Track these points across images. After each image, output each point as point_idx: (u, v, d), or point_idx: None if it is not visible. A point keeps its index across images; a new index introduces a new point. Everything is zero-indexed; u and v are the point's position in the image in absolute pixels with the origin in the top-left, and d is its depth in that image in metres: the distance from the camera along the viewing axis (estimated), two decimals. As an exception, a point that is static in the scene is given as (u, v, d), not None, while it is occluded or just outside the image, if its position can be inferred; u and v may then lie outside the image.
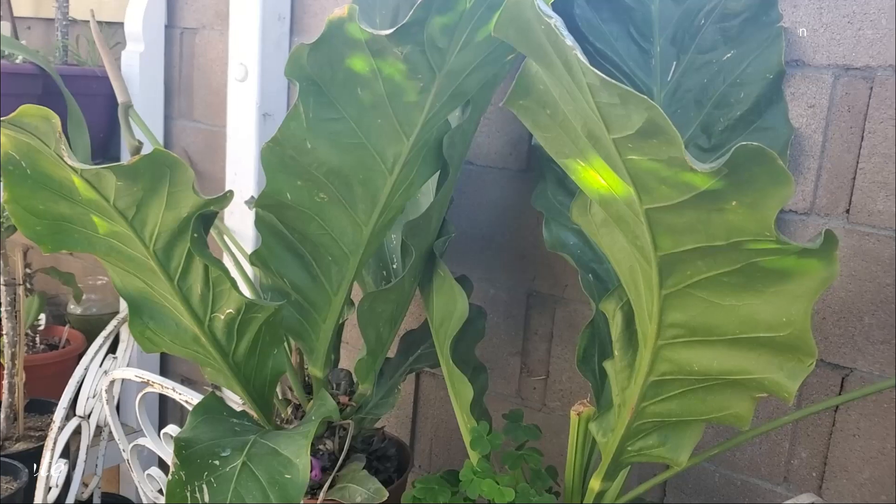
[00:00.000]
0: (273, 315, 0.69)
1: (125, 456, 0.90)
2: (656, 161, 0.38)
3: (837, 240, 0.42)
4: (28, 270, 1.14)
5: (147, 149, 0.62)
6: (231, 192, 0.61)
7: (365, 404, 0.83)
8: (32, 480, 0.96)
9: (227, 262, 0.93)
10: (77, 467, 1.00)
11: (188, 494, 0.59)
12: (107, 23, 1.19)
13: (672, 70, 0.74)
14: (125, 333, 1.04)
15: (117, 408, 1.12)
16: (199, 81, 1.15)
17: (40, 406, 1.10)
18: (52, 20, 1.18)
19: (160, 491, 0.87)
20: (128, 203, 0.61)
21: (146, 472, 0.87)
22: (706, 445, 0.77)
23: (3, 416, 1.02)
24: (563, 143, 0.47)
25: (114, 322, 0.99)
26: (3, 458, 0.97)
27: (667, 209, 0.42)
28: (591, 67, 0.35)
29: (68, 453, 0.98)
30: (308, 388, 0.83)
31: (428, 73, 0.58)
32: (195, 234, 0.62)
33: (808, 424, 0.75)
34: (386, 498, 0.70)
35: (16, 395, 1.03)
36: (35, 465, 0.96)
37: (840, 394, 0.72)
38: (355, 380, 0.82)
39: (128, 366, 1.01)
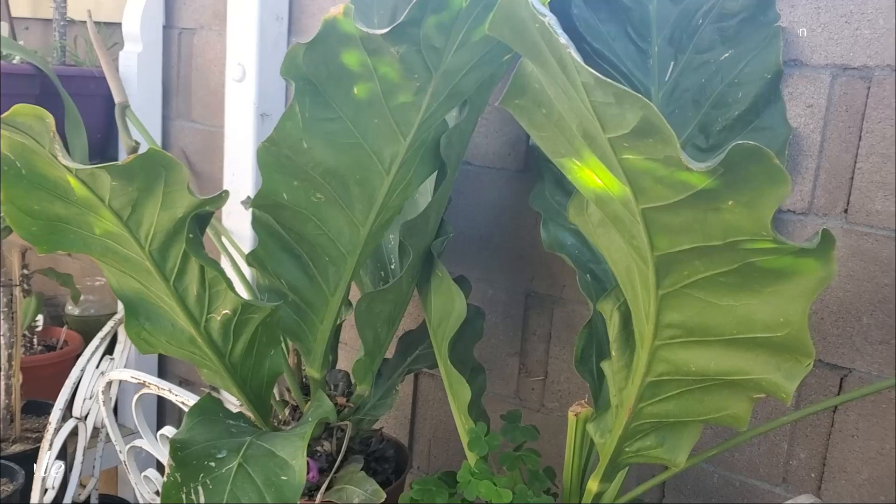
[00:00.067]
0: (270, 316, 0.69)
1: (122, 457, 0.89)
2: (652, 160, 0.38)
3: (835, 239, 0.42)
4: (25, 271, 1.13)
5: (144, 149, 0.62)
6: (226, 192, 0.61)
7: (363, 405, 0.83)
8: (29, 482, 0.95)
9: (225, 262, 0.92)
10: (74, 469, 1.00)
11: (184, 496, 0.59)
12: (105, 23, 1.19)
13: (670, 70, 0.74)
14: (122, 335, 1.04)
15: (115, 409, 1.12)
16: (197, 82, 1.14)
17: (37, 407, 1.10)
18: (50, 21, 1.17)
19: (157, 492, 0.87)
20: (123, 203, 0.61)
21: (143, 474, 0.87)
22: (705, 446, 0.76)
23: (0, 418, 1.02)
24: (559, 143, 0.47)
25: (110, 323, 0.99)
26: (0, 460, 0.97)
27: (663, 209, 0.42)
28: (586, 66, 0.35)
29: (65, 455, 0.98)
30: (305, 390, 0.83)
31: (424, 72, 0.58)
32: (191, 235, 0.62)
33: (807, 425, 0.75)
34: (384, 499, 0.70)
35: (13, 396, 1.02)
36: (32, 467, 0.95)
37: (838, 394, 0.72)
38: (353, 381, 0.82)
39: (125, 367, 1.01)
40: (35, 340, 1.22)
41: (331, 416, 0.73)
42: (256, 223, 0.69)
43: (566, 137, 0.45)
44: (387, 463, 0.85)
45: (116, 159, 1.13)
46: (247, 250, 0.95)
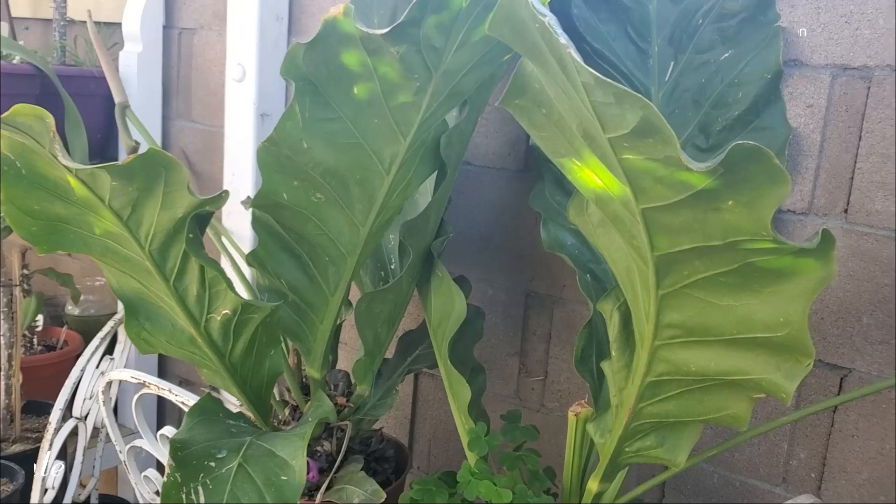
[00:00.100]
0: (269, 316, 0.69)
1: (122, 457, 0.89)
2: (652, 160, 0.38)
3: (834, 239, 0.42)
4: (25, 271, 1.13)
5: (144, 149, 0.62)
6: (226, 192, 0.61)
7: (363, 405, 0.83)
8: (29, 482, 0.95)
9: (225, 262, 0.92)
10: (74, 469, 1.00)
11: (184, 496, 0.59)
12: (105, 23, 1.19)
13: (670, 70, 0.74)
14: (122, 335, 1.04)
15: (115, 409, 1.12)
16: (197, 82, 1.14)
17: (38, 407, 1.10)
18: (50, 21, 1.17)
19: (157, 492, 0.87)
20: (123, 203, 0.61)
21: (143, 474, 0.87)
22: (705, 446, 0.76)
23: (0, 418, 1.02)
24: (559, 143, 0.47)
25: (110, 323, 0.99)
26: (0, 460, 0.97)
27: (663, 209, 0.42)
28: (586, 66, 0.35)
29: (65, 455, 0.98)
30: (306, 390, 0.83)
31: (424, 72, 0.58)
32: (190, 235, 0.62)
33: (807, 425, 0.75)
34: (383, 499, 0.70)
35: (13, 396, 1.02)
36: (32, 467, 0.95)
37: (839, 394, 0.72)
38: (353, 381, 0.82)
39: (125, 367, 1.01)
40: (35, 340, 1.22)
41: (331, 416, 0.73)
42: (256, 223, 0.69)
43: (566, 137, 0.45)
44: (387, 463, 0.85)
45: (117, 159, 1.13)
46: (247, 250, 0.95)
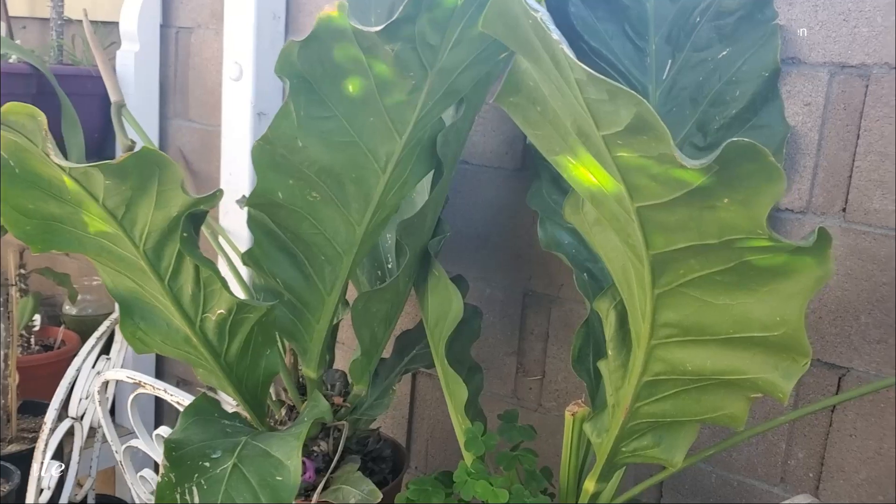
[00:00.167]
0: (265, 315, 0.69)
1: (118, 457, 0.89)
2: (646, 158, 0.37)
3: (831, 237, 0.41)
4: (22, 271, 1.13)
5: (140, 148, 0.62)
6: (220, 191, 0.60)
7: (359, 405, 0.82)
8: (26, 482, 0.95)
9: (222, 262, 0.92)
10: (70, 469, 1.00)
11: (178, 496, 0.59)
12: (102, 22, 1.19)
13: (667, 68, 0.74)
14: (119, 334, 1.03)
15: (113, 409, 1.11)
16: (194, 81, 1.14)
17: (34, 407, 1.09)
18: (47, 20, 1.17)
19: (153, 492, 0.87)
20: (117, 202, 0.60)
21: (139, 474, 0.87)
22: (703, 446, 0.76)
23: (-4, 418, 1.02)
24: (554, 141, 0.46)
25: (106, 323, 0.99)
26: (-4, 460, 0.97)
27: (658, 207, 0.41)
28: (579, 62, 0.34)
29: (62, 455, 0.98)
30: (302, 389, 0.83)
31: (420, 70, 0.58)
32: (185, 234, 0.62)
33: (805, 425, 0.74)
34: (380, 499, 0.70)
35: (9, 396, 1.02)
36: (29, 467, 0.95)
37: (837, 394, 0.72)
38: (350, 380, 0.82)
39: (123, 367, 1.00)
40: (32, 340, 1.22)
41: (327, 416, 0.73)
42: (252, 222, 0.69)
43: (560, 135, 0.45)
44: (384, 463, 0.85)
45: (113, 158, 1.13)
46: (244, 250, 0.95)
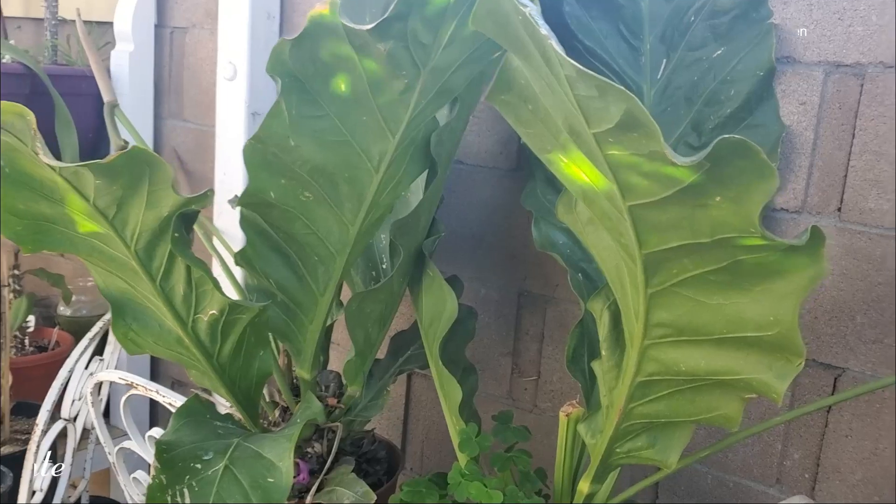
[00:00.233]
0: (258, 316, 0.68)
1: (111, 459, 0.89)
2: (637, 155, 0.37)
3: (824, 236, 0.41)
4: (16, 272, 1.13)
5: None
6: (211, 190, 0.60)
7: (354, 406, 0.82)
8: (18, 484, 0.94)
9: (215, 263, 0.92)
10: (64, 470, 0.99)
11: (169, 498, 0.58)
12: (97, 22, 1.18)
13: (662, 68, 0.73)
14: (113, 335, 1.03)
15: (108, 410, 1.11)
16: (189, 81, 1.14)
17: (28, 409, 1.09)
18: (42, 20, 1.17)
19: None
20: (108, 202, 0.60)
21: (132, 476, 0.86)
22: (699, 447, 0.76)
23: (-11, 419, 1.01)
24: (546, 139, 0.46)
25: (99, 324, 0.98)
26: (-11, 462, 0.96)
27: (650, 205, 0.41)
28: (568, 59, 0.34)
29: (56, 457, 0.97)
30: (296, 391, 0.82)
31: (412, 69, 0.57)
32: (176, 234, 0.62)
33: (801, 425, 0.74)
34: (374, 501, 0.69)
35: (2, 397, 1.02)
36: (22, 469, 0.94)
37: (832, 394, 0.72)
38: (344, 381, 0.81)
39: (116, 368, 1.00)
40: (27, 341, 1.21)
41: (319, 418, 0.73)
42: (244, 222, 0.68)
43: (552, 133, 0.44)
44: (378, 464, 0.84)
45: (107, 159, 1.13)
46: (238, 250, 0.95)
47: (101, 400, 0.90)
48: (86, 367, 0.96)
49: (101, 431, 0.89)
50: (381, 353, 0.85)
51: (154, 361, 1.25)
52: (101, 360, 0.99)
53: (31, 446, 0.91)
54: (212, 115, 1.09)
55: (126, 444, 0.86)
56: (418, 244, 0.75)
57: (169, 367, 1.25)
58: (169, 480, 0.59)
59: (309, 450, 0.78)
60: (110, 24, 1.14)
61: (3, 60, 0.99)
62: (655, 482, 0.79)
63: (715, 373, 0.52)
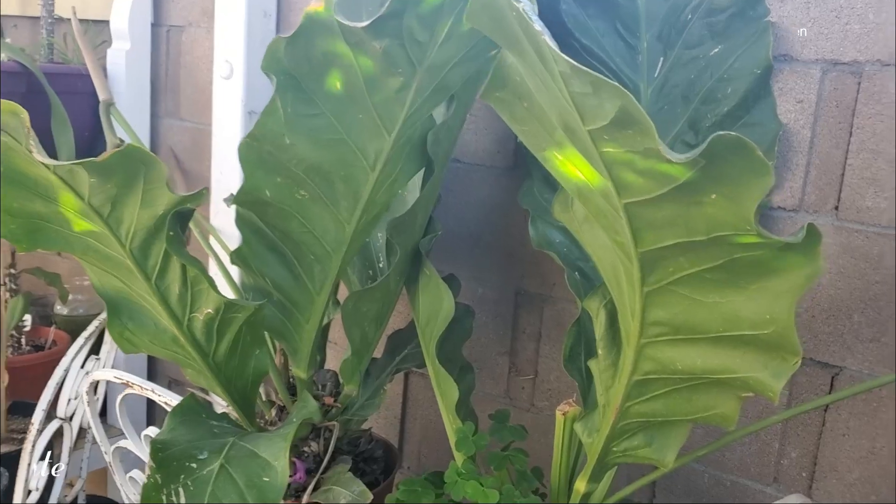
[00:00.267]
0: (253, 315, 0.68)
1: (107, 458, 0.88)
2: (632, 152, 0.37)
3: (820, 234, 0.41)
4: (13, 271, 1.12)
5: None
6: (206, 189, 0.60)
7: (351, 405, 0.82)
8: (14, 483, 0.94)
9: (212, 262, 0.91)
10: (60, 470, 0.99)
11: (164, 497, 0.58)
12: (93, 21, 1.18)
13: (659, 66, 0.73)
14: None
15: (105, 410, 1.11)
16: (185, 79, 1.14)
17: (25, 408, 1.09)
18: (38, 18, 1.16)
19: (143, 494, 0.86)
20: (102, 201, 0.60)
21: (128, 475, 0.86)
22: (696, 445, 0.76)
23: (-14, 419, 1.01)
24: (541, 137, 0.46)
25: (95, 323, 0.98)
26: (-15, 461, 0.96)
27: (645, 203, 0.41)
28: (562, 54, 0.34)
29: (53, 456, 0.97)
30: (293, 390, 0.82)
31: (408, 67, 0.57)
32: (171, 233, 0.61)
33: (798, 424, 0.74)
34: (370, 500, 0.69)
35: (-1, 396, 1.01)
36: (18, 468, 0.94)
37: (830, 393, 0.71)
38: (341, 380, 0.81)
39: (113, 367, 1.00)
40: (23, 340, 1.21)
41: (315, 417, 0.73)
42: (240, 221, 0.68)
43: (547, 130, 0.44)
44: (375, 463, 0.84)
45: (104, 158, 1.12)
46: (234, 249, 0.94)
47: (98, 399, 0.90)
48: (82, 366, 0.96)
49: (96, 430, 0.89)
50: (378, 352, 0.85)
51: (151, 360, 1.25)
52: (97, 359, 0.98)
53: (27, 445, 0.91)
54: (208, 114, 1.09)
55: (122, 443, 0.85)
56: (415, 243, 0.74)
57: (166, 366, 1.25)
58: (164, 480, 0.59)
59: (306, 449, 0.78)
60: (107, 22, 1.13)
61: (0, 59, 0.98)
62: (652, 481, 0.79)
63: (711, 371, 0.51)
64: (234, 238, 1.00)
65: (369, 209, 0.67)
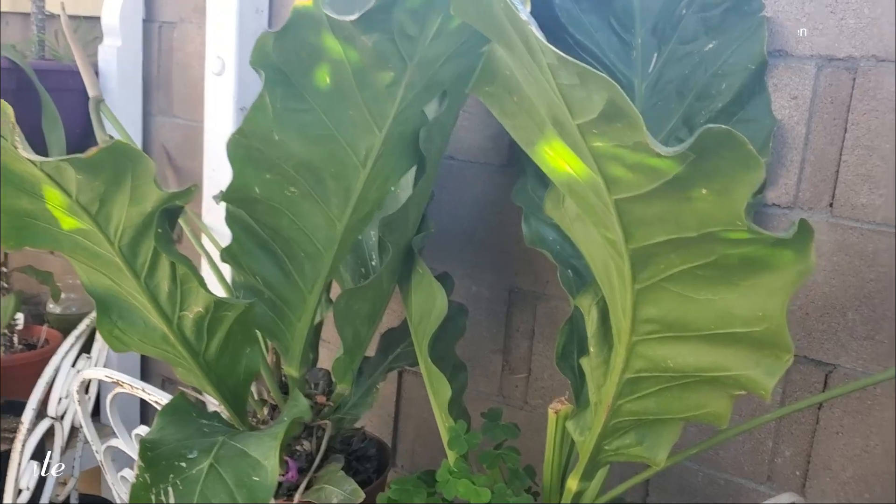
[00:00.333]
0: (244, 313, 0.67)
1: (99, 457, 0.88)
2: (622, 147, 0.36)
3: (812, 230, 0.40)
4: (4, 269, 1.12)
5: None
6: (195, 186, 0.59)
7: (343, 404, 0.81)
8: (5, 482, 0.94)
9: (203, 259, 0.91)
10: (51, 469, 0.98)
11: (153, 497, 0.58)
12: (84, 17, 1.17)
13: (653, 61, 0.73)
14: (101, 333, 1.02)
15: (98, 408, 1.10)
16: (177, 76, 1.13)
17: (17, 407, 1.08)
18: (29, 15, 1.16)
19: (134, 493, 0.86)
20: (90, 198, 0.59)
21: (119, 474, 0.86)
22: (689, 444, 0.75)
23: (-24, 418, 1.00)
24: (531, 131, 0.45)
25: (85, 321, 0.97)
26: (-24, 461, 0.95)
27: (636, 199, 0.40)
28: (550, 45, 0.33)
29: (44, 455, 0.96)
30: (285, 389, 0.81)
31: (398, 62, 0.57)
32: (159, 230, 0.61)
33: (792, 422, 0.74)
34: (362, 499, 0.68)
35: (-10, 396, 1.01)
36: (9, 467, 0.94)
37: (823, 391, 0.71)
38: (334, 379, 0.81)
39: (107, 366, 0.99)
40: (15, 339, 1.20)
41: (306, 416, 0.72)
42: (230, 218, 0.68)
43: (537, 125, 0.44)
44: (368, 462, 0.84)
45: (96, 155, 1.11)
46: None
47: (89, 398, 0.89)
48: (73, 365, 0.95)
49: (87, 430, 0.88)
50: (371, 351, 0.84)
51: (144, 359, 1.25)
52: (88, 357, 0.98)
53: (17, 445, 0.90)
54: (200, 111, 1.08)
55: (113, 442, 0.85)
56: (407, 241, 0.74)
57: (159, 364, 1.24)
58: (153, 479, 0.58)
59: (298, 447, 0.77)
60: (98, 18, 1.12)
61: (-10, 55, 0.98)
62: (646, 480, 0.79)
63: (703, 369, 0.51)
64: (225, 235, 0.99)
65: (360, 206, 0.67)
